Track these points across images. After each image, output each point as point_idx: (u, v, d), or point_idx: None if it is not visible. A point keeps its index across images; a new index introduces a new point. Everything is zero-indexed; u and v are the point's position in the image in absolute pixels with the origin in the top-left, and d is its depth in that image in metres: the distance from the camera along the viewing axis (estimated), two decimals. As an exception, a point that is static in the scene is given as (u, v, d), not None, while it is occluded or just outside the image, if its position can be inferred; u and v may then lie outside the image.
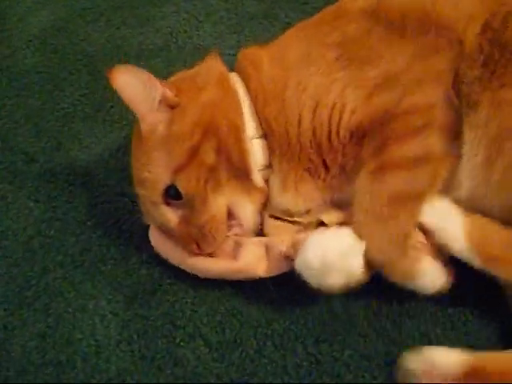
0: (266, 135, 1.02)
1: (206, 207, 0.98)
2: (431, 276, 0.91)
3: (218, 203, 0.99)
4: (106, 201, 1.20)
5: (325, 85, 0.96)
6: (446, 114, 0.92)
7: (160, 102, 0.98)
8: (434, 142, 0.92)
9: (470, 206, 0.93)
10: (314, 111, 0.96)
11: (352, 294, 0.94)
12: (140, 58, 1.49)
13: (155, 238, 1.07)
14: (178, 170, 0.97)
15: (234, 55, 1.41)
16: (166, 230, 1.03)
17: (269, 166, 1.03)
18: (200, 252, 1.00)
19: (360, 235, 0.91)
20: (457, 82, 0.92)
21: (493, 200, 0.91)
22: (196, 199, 0.98)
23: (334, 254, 0.89)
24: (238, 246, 0.99)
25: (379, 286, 0.95)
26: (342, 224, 0.95)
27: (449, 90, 0.92)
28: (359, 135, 0.94)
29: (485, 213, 0.92)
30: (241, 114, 1.02)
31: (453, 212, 0.92)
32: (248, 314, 1.01)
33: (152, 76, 0.98)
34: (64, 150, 1.31)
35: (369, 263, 0.91)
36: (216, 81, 1.03)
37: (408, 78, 0.93)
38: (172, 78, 1.09)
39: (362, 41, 0.97)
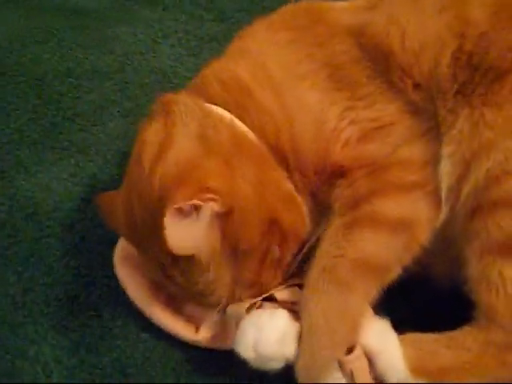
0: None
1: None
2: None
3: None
4: (51, 235, 1.10)
5: (323, 103, 0.86)
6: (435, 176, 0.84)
7: (210, 219, 0.78)
8: (423, 208, 0.83)
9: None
10: (316, 134, 0.85)
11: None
12: (92, 81, 1.41)
13: (123, 273, 0.96)
14: (253, 284, 0.85)
15: (191, 78, 1.35)
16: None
17: None
18: None
19: (308, 295, 0.81)
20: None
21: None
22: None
23: (268, 345, 0.80)
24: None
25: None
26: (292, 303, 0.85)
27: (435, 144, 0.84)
28: (337, 173, 0.85)
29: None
30: (272, 167, 0.86)
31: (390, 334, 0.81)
32: (205, 360, 0.93)
33: (190, 203, 0.75)
34: (7, 178, 1.20)
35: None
36: (234, 149, 0.82)
37: (401, 132, 0.85)
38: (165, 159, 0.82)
39: (351, 70, 0.87)
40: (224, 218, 0.78)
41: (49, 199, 1.16)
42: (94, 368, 0.93)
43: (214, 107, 0.87)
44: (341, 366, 0.77)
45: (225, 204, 0.77)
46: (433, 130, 0.84)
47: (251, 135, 0.85)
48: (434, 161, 0.83)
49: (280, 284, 0.87)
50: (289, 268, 0.88)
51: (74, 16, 1.60)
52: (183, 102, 0.86)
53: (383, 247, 0.81)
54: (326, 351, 0.78)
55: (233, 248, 0.81)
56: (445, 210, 0.83)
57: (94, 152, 1.25)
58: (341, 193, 0.84)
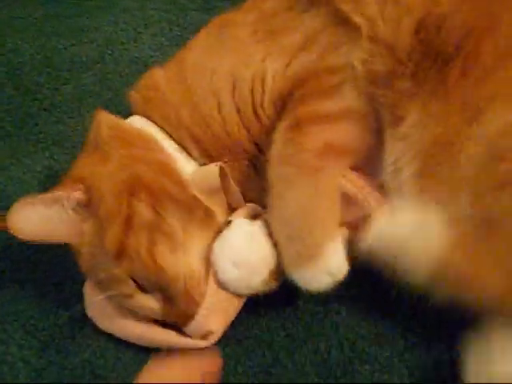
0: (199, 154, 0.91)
1: (174, 274, 0.81)
2: (338, 259, 0.79)
3: (189, 259, 0.82)
4: (23, 230, 1.06)
5: (240, 61, 0.87)
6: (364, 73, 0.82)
7: (73, 209, 0.83)
8: (353, 98, 0.82)
9: None
10: (233, 90, 0.87)
11: (299, 339, 0.83)
12: (71, 71, 1.36)
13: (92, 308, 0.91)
14: (118, 255, 0.80)
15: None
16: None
17: None
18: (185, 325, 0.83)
19: (276, 191, 0.80)
20: (380, 87, 0.81)
21: None
22: (160, 272, 0.80)
23: (242, 252, 0.80)
24: None
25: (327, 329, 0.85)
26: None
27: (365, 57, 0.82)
28: (283, 104, 0.85)
29: None
30: (159, 149, 0.89)
31: None
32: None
33: (52, 194, 0.82)
34: (-21, 171, 1.17)
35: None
36: (112, 137, 0.88)
37: (325, 40, 0.85)
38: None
39: (279, 14, 0.89)
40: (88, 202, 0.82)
41: (22, 193, 1.11)
42: (63, 369, 0.90)
43: (134, 117, 0.94)
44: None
45: (86, 190, 0.82)
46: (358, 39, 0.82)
47: (153, 130, 0.90)
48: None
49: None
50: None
51: (54, 5, 1.55)
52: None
53: (335, 133, 0.82)
54: (316, 230, 0.78)
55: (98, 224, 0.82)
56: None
57: (71, 145, 1.21)
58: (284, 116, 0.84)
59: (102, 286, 0.84)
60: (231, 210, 0.87)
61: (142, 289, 0.82)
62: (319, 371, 0.87)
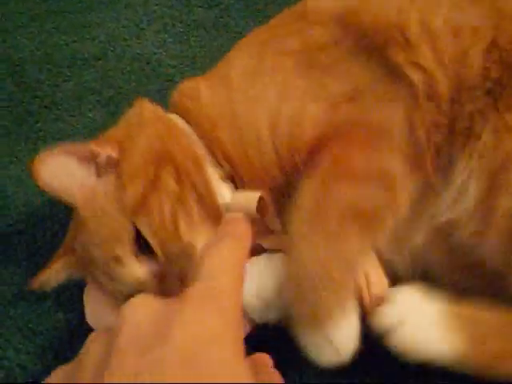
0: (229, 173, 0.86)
1: (188, 243, 0.77)
2: (349, 330, 0.71)
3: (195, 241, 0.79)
4: (22, 231, 1.04)
5: (282, 94, 0.81)
6: (406, 139, 0.78)
7: (103, 167, 0.80)
8: (391, 160, 0.77)
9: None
10: (273, 124, 0.81)
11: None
12: (72, 68, 1.34)
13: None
14: (137, 207, 0.77)
15: (176, 67, 1.29)
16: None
17: None
18: None
19: (295, 246, 0.74)
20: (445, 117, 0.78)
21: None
22: (168, 239, 0.77)
23: (268, 290, 0.76)
24: None
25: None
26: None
27: (412, 117, 0.78)
28: (316, 151, 0.80)
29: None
30: (194, 145, 0.85)
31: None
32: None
33: (86, 147, 0.80)
34: (-23, 170, 1.14)
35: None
36: (153, 119, 0.86)
37: (370, 96, 0.79)
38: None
39: (326, 49, 0.83)
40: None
41: (20, 193, 1.10)
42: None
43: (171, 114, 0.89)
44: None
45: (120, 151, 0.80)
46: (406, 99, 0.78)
47: (187, 131, 0.86)
48: (409, 127, 0.78)
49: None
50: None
51: (55, 0, 1.52)
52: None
53: (365, 194, 0.75)
54: (327, 294, 0.71)
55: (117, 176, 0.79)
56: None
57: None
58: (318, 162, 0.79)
59: (93, 259, 0.80)
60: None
61: (137, 251, 0.78)
62: None
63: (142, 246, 0.77)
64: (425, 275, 0.84)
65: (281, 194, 0.83)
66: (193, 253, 0.76)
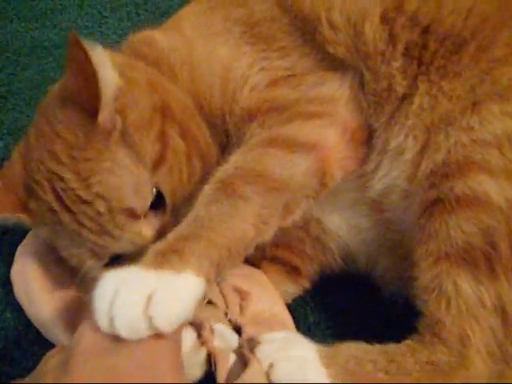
0: None
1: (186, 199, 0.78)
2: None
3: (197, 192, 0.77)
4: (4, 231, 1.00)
5: (234, 55, 0.84)
6: (352, 115, 0.80)
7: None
8: (330, 136, 0.78)
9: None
10: (224, 80, 0.83)
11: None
12: (31, 56, 1.30)
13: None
14: (157, 164, 0.76)
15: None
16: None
17: None
18: None
19: (199, 203, 0.71)
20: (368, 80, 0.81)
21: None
22: (179, 195, 0.78)
23: None
24: None
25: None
26: None
27: (355, 91, 0.81)
28: (248, 119, 0.82)
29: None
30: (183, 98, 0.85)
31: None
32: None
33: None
34: None
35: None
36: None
37: (312, 81, 0.82)
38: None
39: (267, 25, 0.85)
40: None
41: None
42: (7, 378, 0.84)
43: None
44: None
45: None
46: (348, 74, 0.81)
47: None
48: (350, 100, 0.81)
49: None
50: None
51: (17, -14, 1.48)
52: None
53: (282, 162, 0.74)
54: (198, 242, 0.66)
55: (127, 127, 0.75)
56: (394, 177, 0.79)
57: (27, 134, 1.14)
58: (250, 132, 0.80)
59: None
60: None
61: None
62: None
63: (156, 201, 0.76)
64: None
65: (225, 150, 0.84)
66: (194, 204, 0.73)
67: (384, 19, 0.79)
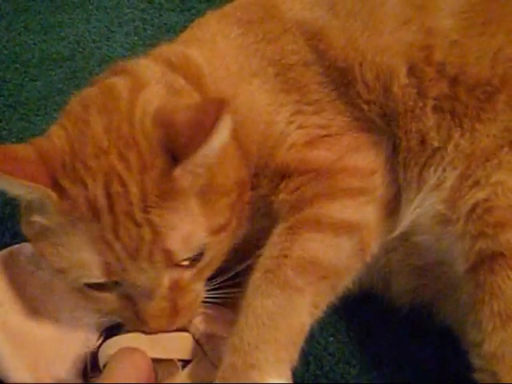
0: None
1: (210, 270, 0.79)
2: None
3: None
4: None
5: (274, 105, 0.82)
6: (387, 187, 0.81)
7: None
8: (370, 213, 0.78)
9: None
10: (264, 134, 0.82)
11: None
12: (40, 68, 1.33)
13: None
14: (219, 230, 0.75)
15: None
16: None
17: None
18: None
19: (250, 296, 0.73)
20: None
21: None
22: (210, 261, 0.77)
23: None
24: None
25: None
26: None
27: (391, 160, 0.81)
28: (281, 176, 0.81)
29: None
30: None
31: None
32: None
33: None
34: None
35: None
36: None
37: (347, 142, 0.81)
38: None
39: (301, 73, 0.84)
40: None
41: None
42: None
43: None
44: None
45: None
46: (383, 141, 0.81)
47: None
48: (386, 170, 0.80)
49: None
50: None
51: (26, 0, 1.51)
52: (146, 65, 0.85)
53: (329, 248, 0.75)
54: (269, 347, 0.69)
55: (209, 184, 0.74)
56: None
57: (35, 143, 1.16)
58: (285, 198, 0.80)
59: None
60: None
61: None
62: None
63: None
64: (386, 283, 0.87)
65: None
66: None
67: (412, 74, 0.79)
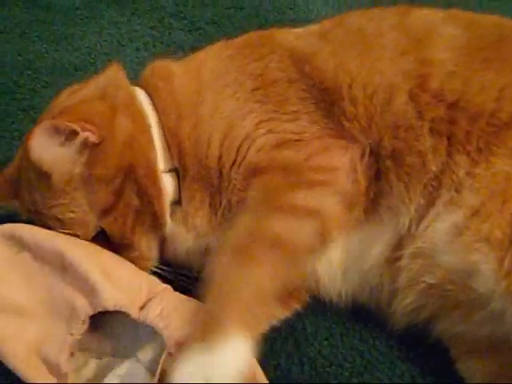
0: (178, 164, 0.93)
1: (132, 248, 0.92)
2: (237, 351, 0.74)
3: (143, 243, 0.93)
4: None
5: (240, 111, 0.91)
6: (350, 184, 0.87)
7: (80, 147, 0.87)
8: (330, 204, 0.85)
9: None
10: (225, 136, 0.90)
11: (260, 355, 0.81)
12: (51, 75, 1.38)
13: None
14: (104, 213, 0.88)
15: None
16: None
17: (177, 201, 0.95)
18: None
19: (215, 267, 0.80)
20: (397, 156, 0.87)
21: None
22: (122, 241, 0.91)
23: None
24: None
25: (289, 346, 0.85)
26: None
27: (355, 163, 0.87)
28: (252, 174, 0.89)
29: None
30: (151, 142, 0.93)
31: None
32: None
33: (70, 125, 0.84)
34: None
35: None
36: (124, 105, 0.93)
37: (318, 146, 0.88)
38: (69, 101, 0.99)
39: (280, 86, 0.92)
40: (93, 148, 0.87)
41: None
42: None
43: (137, 88, 0.97)
44: None
45: (99, 137, 0.87)
46: (354, 147, 0.87)
47: (149, 113, 0.94)
48: (351, 170, 0.87)
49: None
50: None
51: (40, 10, 1.57)
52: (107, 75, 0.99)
53: (293, 229, 0.83)
54: (231, 311, 0.76)
55: (90, 175, 0.87)
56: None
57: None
58: (254, 194, 0.86)
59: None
60: None
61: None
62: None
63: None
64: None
65: (216, 196, 0.91)
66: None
67: (409, 97, 0.86)
